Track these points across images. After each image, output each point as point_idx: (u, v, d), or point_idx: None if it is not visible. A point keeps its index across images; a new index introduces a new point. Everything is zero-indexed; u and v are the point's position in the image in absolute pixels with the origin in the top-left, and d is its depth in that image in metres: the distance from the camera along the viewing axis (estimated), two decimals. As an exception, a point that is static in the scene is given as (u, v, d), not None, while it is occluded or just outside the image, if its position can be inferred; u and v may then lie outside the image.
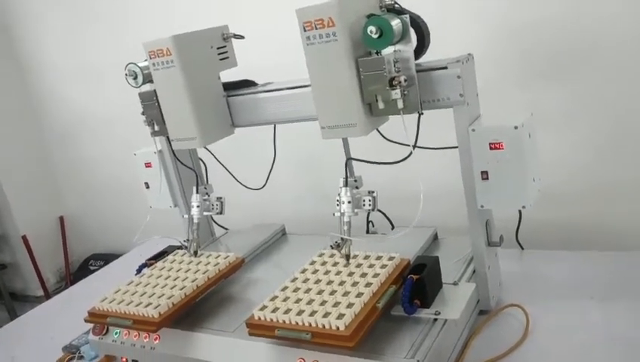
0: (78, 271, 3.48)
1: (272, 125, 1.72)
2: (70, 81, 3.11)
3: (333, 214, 1.44)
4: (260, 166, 1.88)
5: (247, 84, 1.71)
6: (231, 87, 1.68)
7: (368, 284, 1.31)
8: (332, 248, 1.44)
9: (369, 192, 1.45)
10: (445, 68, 1.32)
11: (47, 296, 3.40)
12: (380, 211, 1.56)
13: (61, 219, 3.54)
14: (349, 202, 1.43)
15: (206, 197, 1.78)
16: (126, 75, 1.62)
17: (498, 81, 1.87)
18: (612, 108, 1.81)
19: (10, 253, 3.47)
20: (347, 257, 1.44)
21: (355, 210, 1.44)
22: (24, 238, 3.32)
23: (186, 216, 1.79)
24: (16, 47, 3.25)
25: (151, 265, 1.73)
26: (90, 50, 2.96)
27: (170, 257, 1.74)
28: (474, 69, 1.39)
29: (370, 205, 1.44)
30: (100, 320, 1.54)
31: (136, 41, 2.73)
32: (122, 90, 2.66)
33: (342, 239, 1.42)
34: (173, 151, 1.81)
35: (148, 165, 1.93)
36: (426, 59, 1.38)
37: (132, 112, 2.58)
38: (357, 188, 1.47)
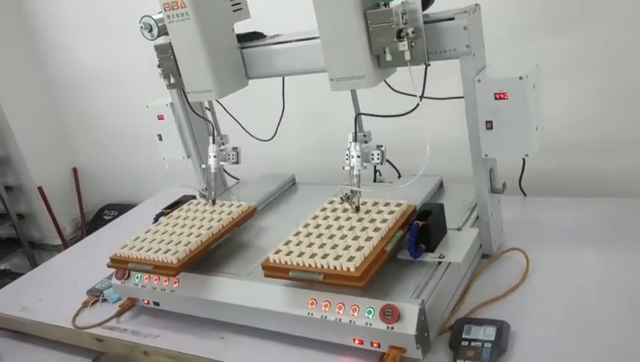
0: (93, 221, 3.59)
1: (281, 77, 1.75)
2: (80, 35, 3.12)
3: (343, 168, 1.50)
4: (268, 117, 1.92)
5: (256, 36, 1.73)
6: (241, 40, 1.70)
7: (377, 229, 1.38)
8: (342, 200, 1.50)
9: (377, 146, 1.50)
10: (452, 19, 1.34)
11: (65, 244, 3.53)
12: (387, 161, 1.61)
13: (74, 170, 3.62)
14: (358, 156, 1.48)
15: (222, 147, 1.83)
16: (141, 27, 1.63)
17: (505, 32, 1.88)
18: (617, 60, 1.82)
19: (26, 204, 3.57)
20: (357, 208, 1.50)
21: (364, 164, 1.49)
22: (40, 189, 3.41)
23: (204, 165, 1.84)
24: (26, 1, 3.23)
25: (167, 214, 1.80)
26: (99, 2, 2.94)
27: (185, 206, 1.82)
28: (480, 20, 1.41)
29: (378, 159, 1.49)
30: (122, 266, 1.63)
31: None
32: (131, 42, 2.70)
33: (352, 191, 1.48)
34: (189, 103, 1.85)
35: (160, 117, 1.97)
36: (432, 10, 1.39)
37: (141, 65, 2.62)
38: (366, 142, 1.52)
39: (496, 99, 1.36)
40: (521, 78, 1.32)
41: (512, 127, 1.37)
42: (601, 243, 1.55)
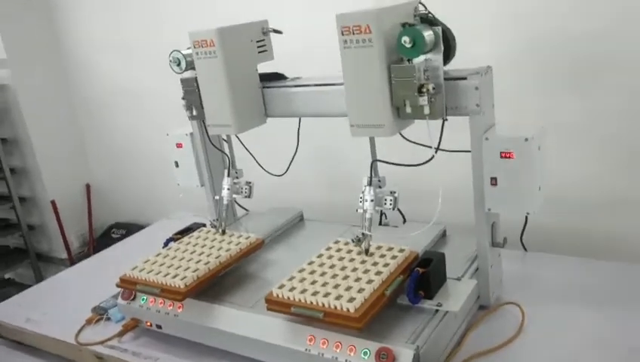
0: (100, 238, 3.64)
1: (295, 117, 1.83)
2: (104, 54, 3.24)
3: (357, 210, 1.55)
4: (281, 152, 1.99)
5: (277, 77, 1.82)
6: (263, 79, 1.78)
7: (378, 273, 1.43)
8: (353, 242, 1.54)
9: (391, 192, 1.55)
10: (465, 78, 1.42)
11: (71, 258, 3.58)
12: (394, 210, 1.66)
13: (87, 186, 3.70)
14: (371, 200, 1.54)
15: (236, 180, 1.89)
16: (170, 61, 1.73)
17: (516, 89, 1.96)
18: (627, 121, 1.88)
19: (38, 216, 3.64)
20: (366, 251, 1.54)
21: (377, 208, 1.55)
22: (52, 203, 3.49)
23: (217, 197, 1.91)
24: (53, 17, 3.37)
25: (177, 239, 1.86)
26: (125, 25, 3.07)
27: (195, 233, 1.87)
28: (492, 81, 1.48)
29: (391, 204, 1.54)
30: (130, 286, 1.68)
31: (172, 21, 2.87)
32: (154, 67, 2.81)
33: (362, 234, 1.53)
34: (208, 135, 1.93)
35: (179, 145, 2.05)
36: (448, 66, 1.47)
37: (162, 90, 2.72)
38: (380, 187, 1.58)
39: (502, 157, 1.42)
40: (526, 139, 1.38)
41: (515, 185, 1.43)
42: (597, 304, 1.58)
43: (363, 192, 1.55)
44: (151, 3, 2.92)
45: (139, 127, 3.26)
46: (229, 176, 1.88)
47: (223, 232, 1.83)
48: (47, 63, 3.43)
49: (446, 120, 1.44)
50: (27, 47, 3.32)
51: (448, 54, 1.45)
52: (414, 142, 1.58)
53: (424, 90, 1.36)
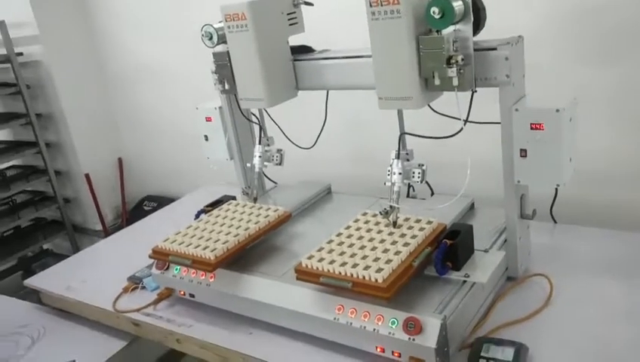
0: (133, 210, 3.74)
1: (326, 90, 1.83)
2: (134, 29, 3.27)
3: (384, 183, 1.56)
4: (309, 126, 2.00)
5: (305, 49, 1.81)
6: (292, 52, 1.78)
7: (406, 244, 1.45)
8: (381, 214, 1.55)
9: (419, 165, 1.56)
10: (495, 49, 1.40)
11: (105, 230, 3.69)
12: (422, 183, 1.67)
13: (120, 160, 3.78)
14: (399, 173, 1.54)
15: (267, 148, 1.91)
16: (202, 35, 1.74)
17: (549, 61, 1.92)
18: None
19: (73, 190, 3.75)
20: (394, 224, 1.55)
21: (405, 181, 1.56)
22: (87, 176, 3.58)
23: (249, 164, 1.93)
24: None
25: (208, 212, 1.90)
26: (160, 4, 3.09)
27: (225, 206, 1.91)
28: (523, 51, 1.46)
29: (419, 177, 1.55)
30: (163, 258, 1.73)
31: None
32: (187, 44, 2.83)
33: (390, 207, 1.54)
34: (239, 107, 1.94)
35: (208, 119, 2.08)
36: (479, 37, 1.45)
37: (191, 64, 2.75)
38: (408, 160, 1.58)
39: (532, 128, 1.41)
40: (557, 110, 1.36)
41: (545, 157, 1.41)
42: (626, 276, 1.57)
43: (391, 165, 1.56)
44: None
45: (169, 102, 3.30)
46: (260, 143, 1.90)
47: (255, 200, 1.86)
48: (79, 39, 3.48)
49: (475, 91, 1.43)
50: (59, 24, 3.38)
51: (478, 24, 1.43)
52: (442, 114, 1.57)
53: (453, 61, 1.35)
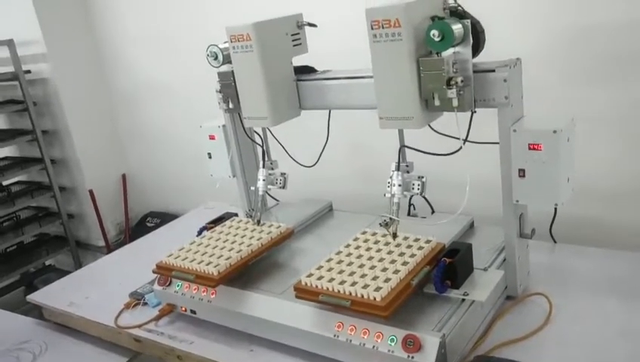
0: (136, 226, 3.76)
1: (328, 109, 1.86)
2: (139, 47, 3.33)
3: (384, 195, 1.58)
4: (310, 144, 2.02)
5: (308, 70, 1.85)
6: (294, 72, 1.81)
7: (405, 263, 1.46)
8: (381, 226, 1.57)
9: (418, 177, 1.58)
10: (493, 71, 1.43)
11: (108, 246, 3.71)
12: (422, 196, 1.69)
13: (123, 176, 3.82)
14: (399, 185, 1.56)
15: (271, 171, 1.94)
16: (207, 55, 1.78)
17: (545, 82, 1.95)
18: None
19: (77, 205, 3.78)
20: (394, 235, 1.57)
21: (405, 193, 1.58)
22: (90, 192, 3.62)
23: (253, 188, 1.95)
24: (90, 11, 3.47)
25: (211, 228, 1.92)
26: (160, 19, 3.15)
27: (227, 223, 1.93)
28: (520, 73, 1.49)
29: (419, 189, 1.57)
30: (165, 273, 1.75)
31: (206, 15, 2.92)
32: (190, 61, 2.87)
33: (390, 219, 1.56)
34: (243, 127, 1.97)
35: (212, 137, 2.11)
36: (478, 59, 1.48)
37: (195, 82, 2.79)
38: (408, 172, 1.60)
39: (530, 149, 1.43)
40: (555, 131, 1.39)
41: (543, 177, 1.43)
42: (626, 296, 1.58)
43: (391, 177, 1.58)
44: (184, 0, 2.98)
45: (173, 119, 3.34)
46: (264, 167, 1.92)
47: (258, 222, 1.88)
48: (86, 57, 3.54)
49: (475, 112, 1.45)
50: (66, 42, 3.44)
51: (477, 47, 1.46)
52: (442, 134, 1.59)
53: (453, 82, 1.37)
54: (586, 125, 1.70)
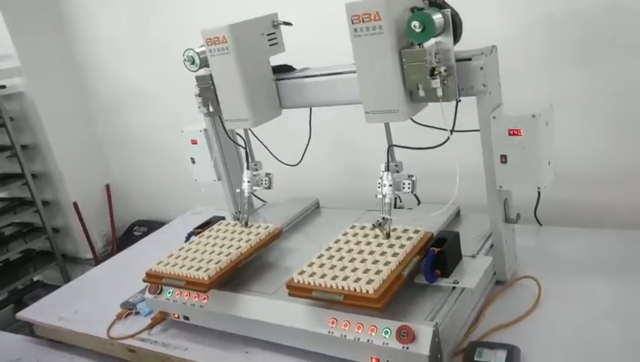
0: (123, 236, 3.73)
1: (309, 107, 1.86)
2: (118, 55, 3.29)
3: (376, 196, 1.58)
4: (294, 142, 2.02)
5: (286, 68, 1.85)
6: (273, 72, 1.81)
7: (395, 254, 1.47)
8: (374, 226, 1.58)
9: (408, 176, 1.59)
10: (470, 59, 1.44)
11: (96, 258, 3.68)
12: (413, 194, 1.69)
13: (107, 186, 3.78)
14: (390, 185, 1.57)
15: (256, 172, 1.94)
16: (184, 59, 1.77)
17: (524, 66, 1.97)
18: (633, 96, 1.89)
19: (62, 219, 3.74)
20: (388, 235, 1.58)
21: (396, 192, 1.58)
22: (75, 205, 3.58)
23: (238, 190, 1.95)
24: (63, 22, 3.43)
25: (198, 233, 1.92)
26: (134, 26, 3.12)
27: (215, 226, 1.93)
28: (497, 60, 1.50)
29: (409, 188, 1.58)
30: (156, 281, 1.74)
31: (180, 20, 2.90)
32: (166, 65, 2.85)
33: (383, 219, 1.57)
34: (225, 130, 1.97)
35: (194, 142, 2.10)
36: (455, 48, 1.48)
37: (172, 88, 2.77)
38: (397, 172, 1.61)
39: (510, 135, 1.45)
40: (534, 116, 1.41)
41: (525, 161, 1.45)
42: (611, 273, 1.61)
43: (381, 178, 1.58)
44: (158, 4, 2.96)
45: (153, 125, 3.32)
46: (248, 168, 1.92)
47: (246, 224, 1.88)
48: (61, 69, 3.50)
49: (459, 101, 1.46)
50: (40, 55, 3.40)
51: (455, 36, 1.47)
52: (426, 125, 1.60)
53: (436, 72, 1.38)
54: (565, 110, 1.72)
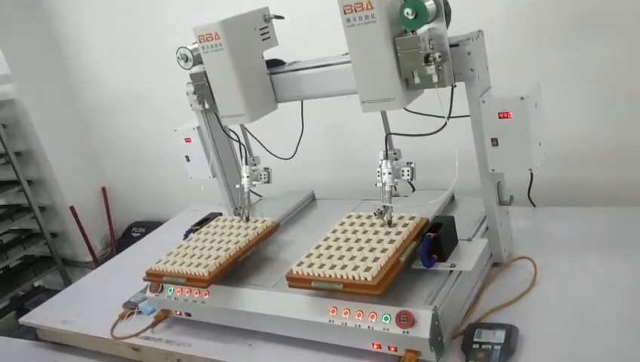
0: (122, 238, 3.74)
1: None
2: (109, 58, 3.29)
3: (375, 185, 1.59)
4: (286, 135, 2.03)
5: (276, 62, 1.86)
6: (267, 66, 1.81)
7: (392, 241, 1.49)
8: (375, 215, 1.59)
9: (407, 163, 1.59)
10: (457, 45, 1.45)
11: (96, 261, 3.68)
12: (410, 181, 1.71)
13: (103, 189, 3.78)
14: (389, 173, 1.58)
15: (254, 167, 1.95)
16: (177, 57, 1.76)
17: (510, 49, 1.98)
18: (618, 72, 1.91)
19: (59, 224, 3.74)
20: (389, 223, 1.58)
21: (395, 180, 1.59)
22: (72, 209, 3.58)
23: (237, 185, 1.96)
24: (53, 27, 3.42)
25: (196, 230, 1.93)
26: (125, 28, 3.11)
27: (213, 223, 1.94)
28: (484, 45, 1.52)
29: (409, 175, 1.59)
30: (157, 279, 1.75)
31: (170, 20, 2.89)
32: (156, 67, 2.85)
33: (384, 207, 1.58)
34: (221, 126, 1.97)
35: (187, 140, 2.10)
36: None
37: (164, 88, 2.77)
38: (396, 159, 1.62)
39: (500, 118, 1.46)
40: (522, 98, 1.42)
41: (515, 143, 1.47)
42: (605, 250, 1.63)
43: (380, 166, 1.59)
44: (147, 5, 2.95)
45: (147, 126, 3.32)
46: (246, 164, 1.93)
47: (247, 219, 1.89)
48: (52, 74, 3.49)
49: (455, 86, 1.47)
50: (30, 61, 3.38)
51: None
52: (421, 113, 1.60)
53: (431, 59, 1.38)
54: (553, 90, 1.74)
